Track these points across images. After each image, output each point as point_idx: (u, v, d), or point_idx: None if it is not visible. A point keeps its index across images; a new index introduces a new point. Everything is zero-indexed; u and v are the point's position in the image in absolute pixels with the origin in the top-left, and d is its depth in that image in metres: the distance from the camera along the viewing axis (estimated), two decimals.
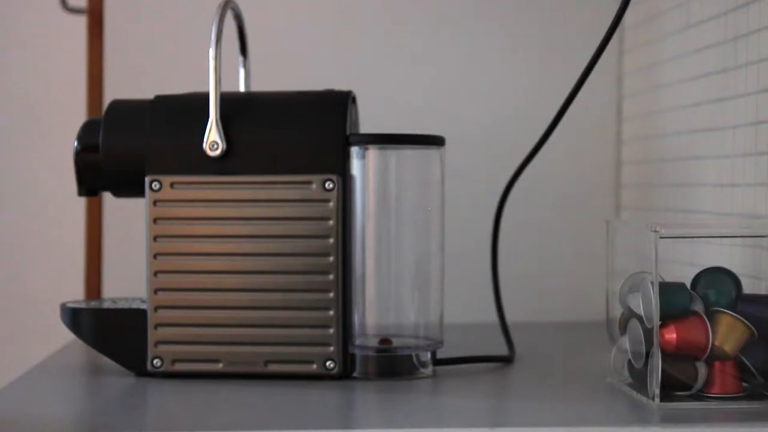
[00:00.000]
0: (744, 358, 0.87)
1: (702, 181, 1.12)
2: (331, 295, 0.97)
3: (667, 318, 0.87)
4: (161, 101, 1.01)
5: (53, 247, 1.43)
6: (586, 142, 1.38)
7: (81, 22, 1.38)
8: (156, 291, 0.98)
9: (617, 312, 0.94)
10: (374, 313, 1.00)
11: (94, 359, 1.07)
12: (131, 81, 1.33)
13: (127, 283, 1.23)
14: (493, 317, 1.14)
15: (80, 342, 1.03)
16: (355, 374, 0.98)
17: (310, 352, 0.97)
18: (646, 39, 1.30)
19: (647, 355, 0.87)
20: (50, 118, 1.42)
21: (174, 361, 0.98)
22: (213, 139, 0.97)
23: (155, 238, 0.98)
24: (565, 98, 1.02)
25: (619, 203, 1.38)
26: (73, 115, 1.35)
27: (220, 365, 0.98)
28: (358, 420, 0.89)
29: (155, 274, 0.98)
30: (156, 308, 0.98)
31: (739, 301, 0.88)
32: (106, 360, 1.02)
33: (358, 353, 0.99)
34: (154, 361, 0.98)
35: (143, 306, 1.00)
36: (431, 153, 1.00)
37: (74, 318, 1.01)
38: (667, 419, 0.83)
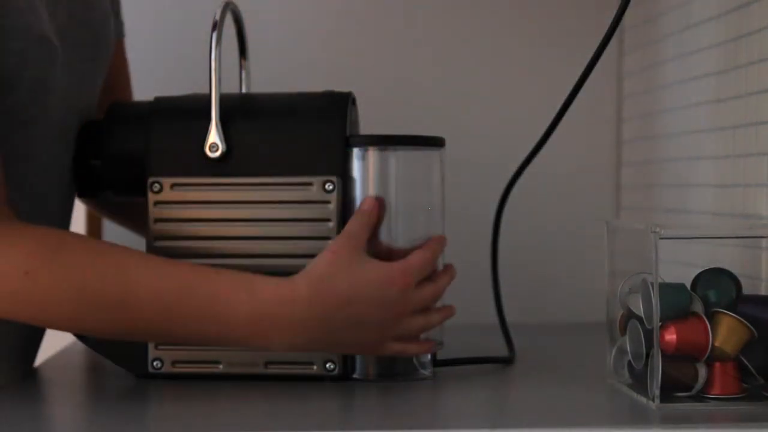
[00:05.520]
0: (744, 359, 0.87)
1: (702, 181, 1.12)
2: None
3: (667, 319, 0.87)
4: (161, 102, 1.01)
5: None
6: (586, 142, 1.38)
7: None
8: None
9: (617, 313, 0.94)
10: None
11: (94, 360, 1.07)
12: (131, 81, 1.33)
13: None
14: (493, 318, 1.14)
15: (80, 343, 1.03)
16: (355, 375, 0.98)
17: (310, 354, 0.97)
18: (646, 39, 1.30)
19: (647, 355, 0.87)
20: None
21: (174, 363, 0.98)
22: (213, 141, 0.97)
23: (156, 239, 0.98)
24: (565, 98, 1.02)
25: (619, 204, 1.38)
26: None
27: (221, 367, 0.97)
28: (358, 421, 0.89)
29: None
30: None
31: (739, 302, 0.88)
32: (106, 361, 1.01)
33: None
34: (155, 363, 0.98)
35: None
36: (431, 154, 1.00)
37: None
38: (668, 420, 0.83)
